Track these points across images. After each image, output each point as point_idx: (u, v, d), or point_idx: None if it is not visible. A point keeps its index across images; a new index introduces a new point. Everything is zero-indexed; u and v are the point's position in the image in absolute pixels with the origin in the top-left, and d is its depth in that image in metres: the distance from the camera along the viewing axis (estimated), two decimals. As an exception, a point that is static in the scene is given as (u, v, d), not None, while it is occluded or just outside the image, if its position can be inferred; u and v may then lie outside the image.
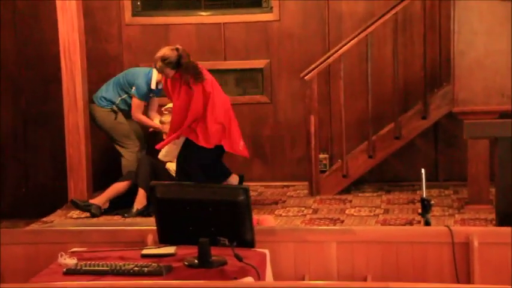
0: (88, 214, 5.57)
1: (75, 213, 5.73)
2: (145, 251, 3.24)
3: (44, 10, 6.56)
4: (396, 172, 6.44)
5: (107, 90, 5.99)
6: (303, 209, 5.71)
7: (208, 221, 3.10)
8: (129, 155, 5.95)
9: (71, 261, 3.09)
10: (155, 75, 5.84)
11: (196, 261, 3.11)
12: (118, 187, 5.67)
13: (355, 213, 5.52)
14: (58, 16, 5.72)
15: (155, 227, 3.34)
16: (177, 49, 5.26)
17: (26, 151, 6.78)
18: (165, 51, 5.27)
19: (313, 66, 5.99)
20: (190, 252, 3.20)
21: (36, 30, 6.63)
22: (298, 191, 6.29)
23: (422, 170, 3.34)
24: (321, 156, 6.30)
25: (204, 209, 3.09)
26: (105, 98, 5.97)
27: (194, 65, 5.28)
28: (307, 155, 6.12)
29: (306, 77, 5.97)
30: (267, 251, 3.23)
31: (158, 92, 5.98)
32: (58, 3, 5.71)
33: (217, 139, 5.31)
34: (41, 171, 6.79)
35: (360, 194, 6.07)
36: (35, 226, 5.23)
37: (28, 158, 6.79)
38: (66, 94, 5.84)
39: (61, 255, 3.11)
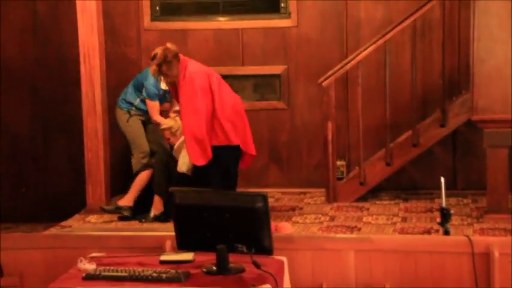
0: (106, 218, 5.60)
1: (93, 217, 5.76)
2: (163, 257, 3.24)
3: (63, 13, 6.60)
4: (413, 180, 6.40)
5: (127, 92, 6.02)
6: (320, 216, 5.69)
7: (227, 227, 3.10)
8: (134, 159, 5.94)
9: (90, 267, 3.10)
10: None
11: (214, 268, 3.11)
12: (142, 178, 5.70)
13: (372, 221, 5.49)
14: (78, 18, 5.74)
15: (173, 233, 3.35)
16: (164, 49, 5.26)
17: (45, 155, 6.82)
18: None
19: (330, 72, 5.98)
20: (208, 258, 3.20)
21: (56, 34, 6.68)
22: (315, 198, 6.27)
23: (442, 179, 3.31)
24: (338, 163, 6.27)
25: (223, 216, 3.09)
26: (125, 100, 6.00)
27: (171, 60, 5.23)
28: (325, 161, 6.11)
29: (323, 83, 5.96)
30: (284, 259, 3.22)
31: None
32: (78, 5, 5.72)
33: (233, 136, 5.28)
34: (59, 175, 6.81)
35: (377, 202, 6.05)
36: (53, 230, 5.25)
37: (46, 162, 6.83)
38: (85, 98, 5.85)
39: (80, 260, 3.12)
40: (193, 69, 5.23)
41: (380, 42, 5.85)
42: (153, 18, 6.65)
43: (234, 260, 3.13)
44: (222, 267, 3.09)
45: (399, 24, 5.83)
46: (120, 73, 6.48)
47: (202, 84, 5.19)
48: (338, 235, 4.60)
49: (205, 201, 3.12)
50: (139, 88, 5.96)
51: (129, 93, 5.99)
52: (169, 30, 6.62)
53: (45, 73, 6.71)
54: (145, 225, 5.26)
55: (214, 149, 5.20)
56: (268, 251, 3.10)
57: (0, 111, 6.74)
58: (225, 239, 3.10)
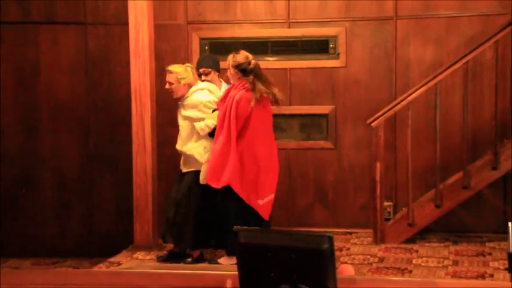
0: (153, 256, 5.60)
1: (140, 254, 5.76)
2: (225, 297, 3.22)
3: (114, 54, 6.74)
4: (463, 222, 6.31)
5: None
6: (368, 257, 5.62)
7: (291, 268, 3.06)
8: None
9: (152, 305, 3.09)
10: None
11: (277, 309, 3.07)
12: None
13: (422, 264, 5.40)
14: (131, 59, 5.83)
15: (234, 272, 3.32)
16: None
17: (91, 192, 6.88)
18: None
19: (380, 113, 5.96)
20: (270, 299, 3.16)
21: (106, 74, 6.80)
22: (361, 239, 6.21)
23: (510, 224, 3.24)
24: (385, 204, 6.22)
25: (287, 256, 3.05)
26: None
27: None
28: (373, 202, 6.05)
29: (372, 124, 5.94)
30: (347, 301, 3.17)
31: None
32: (131, 47, 5.82)
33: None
34: (104, 212, 6.86)
35: (426, 244, 5.96)
36: (102, 267, 5.25)
37: (92, 199, 6.89)
38: (136, 136, 5.89)
39: (143, 298, 3.11)
40: (247, 94, 5.17)
41: (431, 83, 5.83)
42: (202, 57, 6.73)
43: (297, 301, 3.08)
44: (286, 309, 3.05)
45: (451, 66, 5.80)
46: (168, 112, 6.55)
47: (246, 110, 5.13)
48: (402, 278, 4.51)
49: (270, 241, 3.09)
50: None
51: None
52: (218, 69, 6.68)
53: (94, 113, 6.82)
54: (194, 264, 5.22)
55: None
56: (332, 293, 3.05)
57: (54, 149, 6.84)
58: (289, 279, 3.06)
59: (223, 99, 5.26)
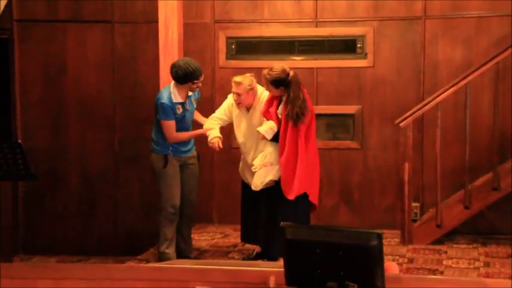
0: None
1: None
2: (270, 293, 3.21)
3: (140, 52, 6.75)
4: (491, 224, 6.27)
5: (155, 133, 5.47)
6: (397, 257, 5.60)
7: (338, 264, 3.05)
8: (163, 214, 5.41)
9: (198, 300, 3.09)
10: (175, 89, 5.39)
11: (324, 305, 3.06)
12: None
13: (453, 265, 5.38)
14: (160, 57, 5.82)
15: (277, 269, 3.32)
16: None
17: (117, 190, 6.89)
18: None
19: (408, 113, 5.93)
20: (315, 296, 3.14)
21: (132, 72, 6.80)
22: (388, 239, 6.17)
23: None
24: (412, 204, 6.19)
25: (335, 253, 3.04)
26: (157, 142, 5.45)
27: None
28: (400, 203, 6.03)
29: (401, 124, 5.91)
30: (393, 299, 3.15)
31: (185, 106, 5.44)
32: (161, 44, 5.82)
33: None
34: (130, 210, 6.86)
35: (454, 245, 5.93)
36: (131, 264, 5.24)
37: (118, 197, 6.89)
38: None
39: (189, 293, 3.11)
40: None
41: (461, 83, 5.80)
42: (229, 57, 6.73)
43: (343, 298, 3.06)
44: (332, 305, 3.04)
45: (482, 66, 5.78)
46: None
47: None
48: (449, 277, 4.49)
49: (318, 238, 3.08)
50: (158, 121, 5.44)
51: (157, 131, 5.45)
52: (244, 68, 6.63)
53: (120, 110, 6.82)
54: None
55: None
56: (380, 291, 3.04)
57: (80, 146, 6.85)
58: (336, 276, 3.05)
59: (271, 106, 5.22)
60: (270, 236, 5.22)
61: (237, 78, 5.39)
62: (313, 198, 5.27)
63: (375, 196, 6.61)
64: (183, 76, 5.32)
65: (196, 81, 5.37)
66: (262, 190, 5.26)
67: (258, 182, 5.23)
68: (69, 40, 6.81)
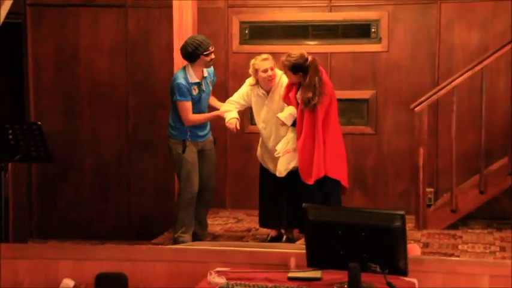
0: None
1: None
2: (291, 274, 3.20)
3: (154, 36, 6.72)
4: (505, 209, 6.24)
5: (172, 118, 5.41)
6: (412, 242, 5.56)
7: (360, 246, 3.04)
8: (181, 199, 5.38)
9: (220, 280, 3.08)
10: (190, 69, 5.33)
11: (346, 286, 3.05)
12: None
13: (469, 249, 5.37)
14: (174, 41, 5.79)
15: (298, 251, 3.30)
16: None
17: (130, 175, 6.88)
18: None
19: (423, 98, 5.90)
20: (336, 277, 3.14)
21: (145, 56, 6.78)
22: (402, 224, 6.15)
23: None
24: (427, 190, 6.17)
25: (357, 234, 3.03)
26: (175, 127, 5.40)
27: None
28: (415, 188, 6.01)
29: (416, 109, 5.88)
30: (415, 281, 3.14)
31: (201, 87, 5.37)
32: (175, 29, 5.79)
33: None
34: (143, 195, 6.86)
35: (469, 230, 5.92)
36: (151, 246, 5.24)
37: (131, 182, 6.89)
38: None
39: (210, 274, 3.10)
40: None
41: (477, 68, 5.76)
42: (242, 42, 6.71)
43: (365, 279, 3.06)
44: (354, 286, 3.03)
45: (498, 50, 5.73)
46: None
47: None
48: (472, 259, 4.48)
49: (340, 219, 3.07)
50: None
51: (174, 116, 5.38)
52: (258, 53, 6.51)
53: (133, 95, 6.81)
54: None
55: None
56: (402, 272, 3.02)
57: (94, 131, 6.85)
58: (358, 257, 3.04)
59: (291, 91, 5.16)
60: (294, 217, 5.24)
61: (263, 56, 5.35)
62: (343, 180, 5.21)
63: (389, 181, 6.59)
64: (192, 51, 5.28)
65: (207, 53, 5.29)
66: None
67: (282, 169, 5.20)
68: (82, 25, 6.79)
